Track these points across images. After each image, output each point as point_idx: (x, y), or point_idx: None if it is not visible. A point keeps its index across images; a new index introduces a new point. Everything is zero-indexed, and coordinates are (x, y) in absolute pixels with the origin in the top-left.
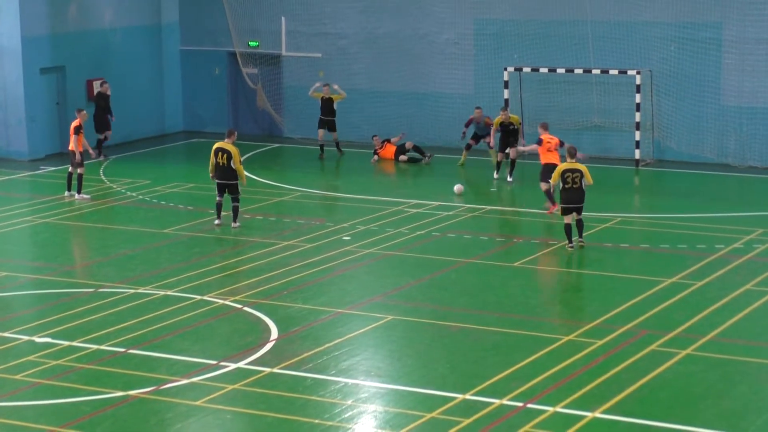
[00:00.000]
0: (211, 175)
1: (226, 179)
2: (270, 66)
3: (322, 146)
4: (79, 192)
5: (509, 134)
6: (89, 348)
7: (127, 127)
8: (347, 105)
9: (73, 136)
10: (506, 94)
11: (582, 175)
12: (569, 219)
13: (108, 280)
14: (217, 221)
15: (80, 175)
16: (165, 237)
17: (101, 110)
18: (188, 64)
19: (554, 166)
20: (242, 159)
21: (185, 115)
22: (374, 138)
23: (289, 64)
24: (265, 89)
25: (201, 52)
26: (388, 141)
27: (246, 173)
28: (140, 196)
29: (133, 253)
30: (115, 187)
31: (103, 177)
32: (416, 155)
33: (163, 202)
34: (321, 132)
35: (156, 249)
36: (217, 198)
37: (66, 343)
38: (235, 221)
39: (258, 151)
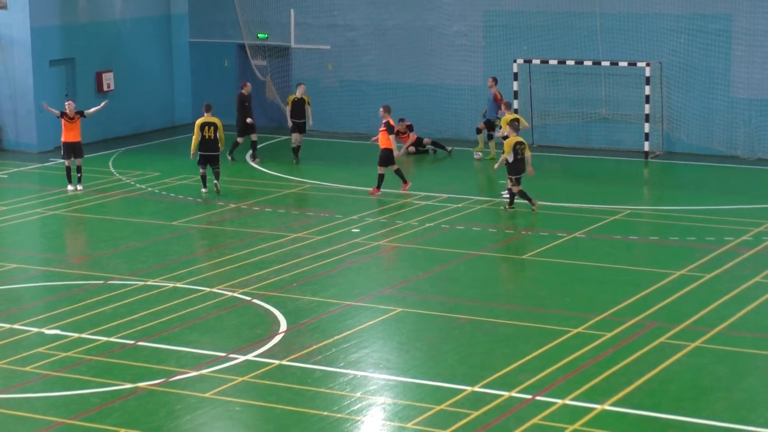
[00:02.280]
0: (192, 152)
1: (214, 150)
2: (279, 58)
3: (295, 149)
4: (80, 182)
5: None
6: (99, 340)
7: (136, 119)
8: (356, 97)
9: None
10: (515, 85)
11: (525, 146)
12: (519, 186)
13: (117, 272)
14: (204, 190)
15: (78, 167)
16: (174, 229)
17: (242, 113)
18: (197, 56)
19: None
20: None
21: (194, 107)
22: (401, 121)
23: (298, 56)
24: (274, 81)
25: (210, 44)
26: (411, 129)
27: (255, 165)
28: (149, 188)
29: (142, 245)
30: (124, 179)
31: (112, 169)
32: (434, 148)
33: (172, 195)
34: (295, 135)
35: (165, 241)
36: (202, 170)
37: (75, 335)
38: (218, 180)
39: (267, 143)
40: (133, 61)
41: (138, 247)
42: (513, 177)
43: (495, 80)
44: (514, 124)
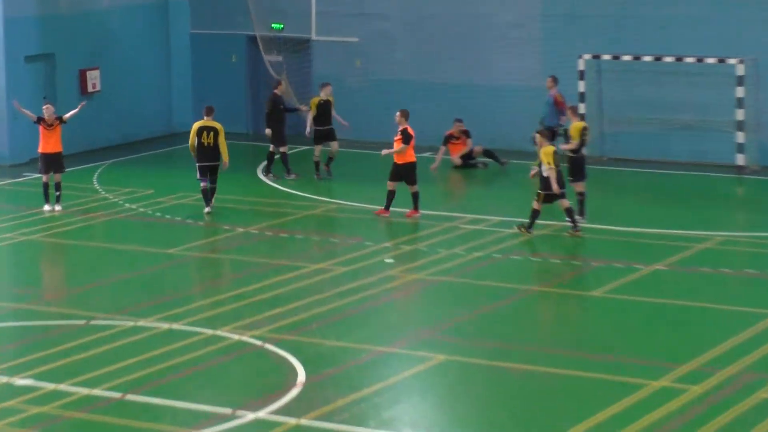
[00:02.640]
0: (194, 155)
1: (213, 160)
2: (297, 53)
3: (318, 164)
4: (58, 201)
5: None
6: (79, 392)
7: (127, 126)
8: (389, 100)
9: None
10: (581, 86)
11: (558, 157)
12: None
13: (102, 310)
14: (207, 209)
15: (57, 183)
16: (170, 258)
17: (275, 120)
18: (200, 51)
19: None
20: (264, 163)
21: (196, 112)
22: (457, 122)
23: (320, 50)
24: (290, 80)
25: (215, 37)
26: (467, 135)
27: (268, 181)
28: (141, 209)
29: (132, 277)
30: (111, 197)
31: (97, 185)
32: (485, 160)
33: (168, 216)
34: (319, 148)
35: (159, 273)
36: (202, 184)
37: (52, 386)
38: (211, 201)
39: None
40: (124, 58)
41: (127, 280)
42: (544, 193)
43: (555, 80)
44: (545, 133)
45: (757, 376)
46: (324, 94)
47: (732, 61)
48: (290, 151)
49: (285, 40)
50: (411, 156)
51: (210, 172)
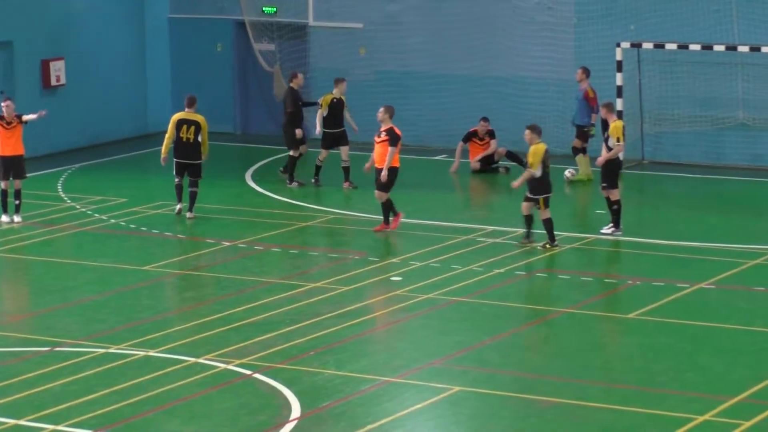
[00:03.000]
0: (163, 156)
1: (191, 158)
2: (292, 41)
3: (319, 168)
4: (18, 211)
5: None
6: (43, 429)
7: (95, 126)
8: (398, 94)
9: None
10: (619, 79)
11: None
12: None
13: (69, 335)
14: (178, 206)
15: (17, 191)
16: (147, 276)
17: (292, 119)
18: (180, 39)
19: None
20: (254, 167)
21: (175, 109)
22: (484, 121)
23: (319, 37)
24: (284, 72)
25: (198, 22)
26: (492, 137)
27: (259, 188)
28: (113, 220)
29: (103, 298)
30: (78, 207)
31: (62, 193)
32: (507, 164)
33: (143, 228)
34: (326, 153)
35: (134, 293)
36: (177, 179)
37: (11, 421)
38: (191, 211)
39: (275, 157)
40: (92, 46)
41: (97, 301)
42: (538, 197)
43: (586, 72)
44: (536, 128)
45: None
46: (338, 92)
47: None
48: (277, 156)
49: (279, 25)
50: (395, 160)
51: (188, 172)
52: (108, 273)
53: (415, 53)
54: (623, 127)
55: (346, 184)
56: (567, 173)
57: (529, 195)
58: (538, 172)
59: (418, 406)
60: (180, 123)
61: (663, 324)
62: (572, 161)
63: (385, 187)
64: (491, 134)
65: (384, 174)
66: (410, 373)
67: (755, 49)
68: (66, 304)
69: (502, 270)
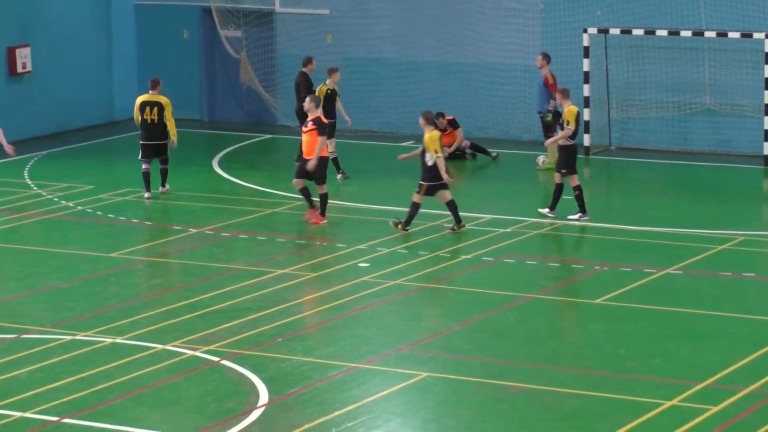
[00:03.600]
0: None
1: (158, 139)
2: (259, 27)
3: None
4: None
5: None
6: (10, 416)
7: (61, 113)
8: (366, 81)
9: None
10: (586, 65)
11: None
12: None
13: (35, 322)
14: (147, 194)
15: None
16: (113, 263)
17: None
18: (146, 25)
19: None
20: (221, 154)
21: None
22: (440, 116)
23: (286, 24)
24: (251, 59)
25: (164, 8)
26: (455, 127)
27: (226, 175)
28: (79, 207)
29: (69, 285)
30: (44, 194)
31: (28, 180)
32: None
33: (110, 215)
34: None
35: (101, 280)
36: (144, 166)
37: None
38: (164, 186)
39: (242, 144)
40: (59, 33)
41: (64, 288)
42: (423, 183)
43: (547, 58)
44: (428, 116)
45: None
46: (331, 82)
47: (759, 35)
48: (255, 140)
49: (245, 12)
50: (324, 150)
51: (156, 152)
52: (75, 260)
53: (383, 40)
54: (577, 113)
55: (339, 176)
56: (539, 160)
57: (422, 181)
58: (430, 161)
59: (386, 392)
60: (143, 105)
61: (631, 309)
62: (542, 148)
63: (321, 178)
64: (453, 123)
65: (312, 164)
66: (378, 359)
67: (722, 34)
68: (33, 291)
69: (469, 256)
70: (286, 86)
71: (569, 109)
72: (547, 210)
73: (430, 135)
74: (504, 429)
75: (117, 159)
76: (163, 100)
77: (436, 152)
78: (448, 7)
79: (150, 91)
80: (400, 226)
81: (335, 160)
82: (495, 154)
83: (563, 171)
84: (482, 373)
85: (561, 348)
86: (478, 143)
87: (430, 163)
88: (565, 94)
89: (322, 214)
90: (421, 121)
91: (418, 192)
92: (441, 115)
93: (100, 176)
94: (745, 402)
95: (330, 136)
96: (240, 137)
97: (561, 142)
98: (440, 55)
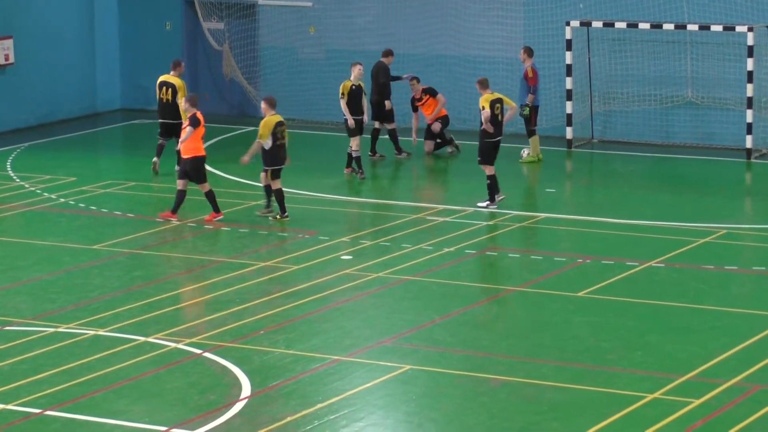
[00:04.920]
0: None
1: (169, 118)
2: (241, 19)
3: (359, 159)
4: None
5: None
6: None
7: (44, 105)
8: (346, 74)
9: None
10: (568, 57)
11: (285, 127)
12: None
13: (17, 314)
14: (155, 159)
15: None
16: (96, 255)
17: (383, 90)
18: (129, 17)
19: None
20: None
21: (124, 87)
22: (413, 81)
23: (268, 16)
24: (233, 51)
25: (146, 1)
26: (432, 94)
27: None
28: (62, 199)
29: (52, 277)
30: (27, 186)
31: (10, 172)
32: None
33: (93, 207)
34: (357, 140)
35: (83, 272)
36: (160, 140)
37: None
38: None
39: (225, 136)
40: (41, 25)
41: (46, 281)
42: (268, 168)
43: (528, 51)
44: (270, 100)
45: (764, 388)
46: (354, 78)
47: (741, 28)
48: (238, 132)
49: (228, 4)
50: (200, 149)
51: (168, 132)
52: (57, 252)
53: (365, 32)
54: (490, 100)
55: (347, 170)
56: (523, 153)
57: (264, 166)
58: (268, 143)
59: (369, 384)
60: (161, 84)
61: (613, 302)
62: (524, 141)
63: (199, 177)
64: (430, 92)
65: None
66: (360, 352)
67: (704, 27)
68: (15, 283)
69: (452, 249)
70: (269, 78)
71: (484, 97)
72: (486, 203)
73: (267, 120)
74: (485, 421)
75: (100, 151)
76: (177, 82)
77: (260, 137)
78: (429, 1)
79: (172, 72)
80: (278, 216)
81: (357, 159)
82: (451, 150)
83: (478, 159)
84: (464, 365)
85: (543, 341)
86: (455, 137)
87: (267, 147)
88: (484, 84)
89: (216, 210)
90: (263, 105)
91: (266, 176)
92: (416, 80)
93: (82, 168)
94: (727, 395)
95: (357, 133)
96: (223, 129)
97: (481, 131)
98: (422, 47)
